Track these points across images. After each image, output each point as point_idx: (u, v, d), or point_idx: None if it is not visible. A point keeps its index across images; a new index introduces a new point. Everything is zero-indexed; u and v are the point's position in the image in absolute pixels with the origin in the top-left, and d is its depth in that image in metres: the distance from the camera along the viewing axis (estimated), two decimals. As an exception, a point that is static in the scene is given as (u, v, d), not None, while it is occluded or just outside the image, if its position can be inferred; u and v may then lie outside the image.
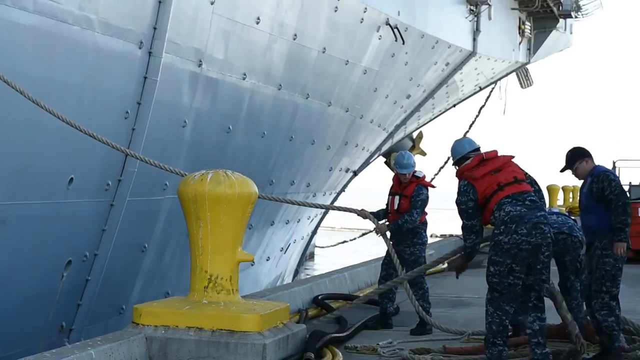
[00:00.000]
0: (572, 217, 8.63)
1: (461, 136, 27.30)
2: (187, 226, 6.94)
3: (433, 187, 9.63)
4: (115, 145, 8.42)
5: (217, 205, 6.77)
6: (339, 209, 9.58)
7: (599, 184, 7.28)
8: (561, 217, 8.36)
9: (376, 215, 9.35)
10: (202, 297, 6.86)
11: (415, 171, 9.35)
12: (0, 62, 8.23)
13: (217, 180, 6.83)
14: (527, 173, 7.23)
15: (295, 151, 14.82)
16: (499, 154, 7.14)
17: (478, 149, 7.33)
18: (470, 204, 6.94)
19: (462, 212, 7.01)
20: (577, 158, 7.54)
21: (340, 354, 7.27)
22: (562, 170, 7.77)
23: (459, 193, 7.05)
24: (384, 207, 9.53)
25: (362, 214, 9.02)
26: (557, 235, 7.75)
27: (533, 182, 7.25)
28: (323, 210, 19.71)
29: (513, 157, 7.12)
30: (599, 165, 7.50)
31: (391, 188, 9.48)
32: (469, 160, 7.14)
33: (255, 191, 7.04)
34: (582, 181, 7.60)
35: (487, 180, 6.91)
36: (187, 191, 6.88)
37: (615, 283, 7.25)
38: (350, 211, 9.09)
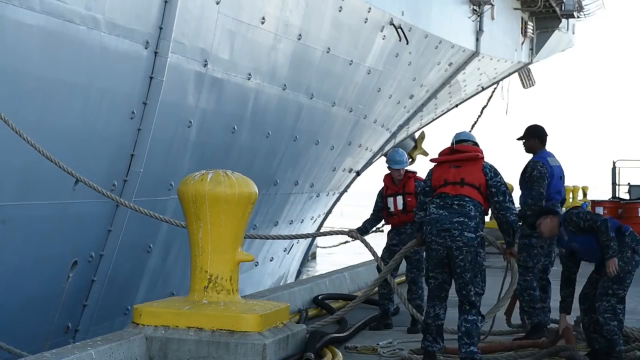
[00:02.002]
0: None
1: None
2: (187, 226, 6.95)
3: None
4: (107, 194, 8.47)
5: (217, 205, 6.77)
6: (328, 234, 9.43)
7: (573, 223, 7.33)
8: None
9: (363, 229, 9.20)
10: (202, 297, 6.85)
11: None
12: (7, 62, 8.31)
13: (217, 180, 6.82)
14: (494, 181, 6.98)
15: (300, 151, 14.86)
16: (474, 151, 7.09)
17: (475, 143, 7.29)
18: (428, 184, 7.15)
19: (422, 190, 7.29)
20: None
21: (340, 354, 7.27)
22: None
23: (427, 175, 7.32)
24: (369, 216, 9.41)
25: (350, 235, 8.93)
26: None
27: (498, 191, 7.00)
28: (325, 211, 19.75)
29: (480, 156, 7.07)
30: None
31: (386, 190, 9.30)
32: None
33: (255, 191, 7.02)
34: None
35: (441, 170, 7.08)
36: (187, 191, 6.88)
37: (622, 285, 7.20)
38: (340, 234, 9.01)
